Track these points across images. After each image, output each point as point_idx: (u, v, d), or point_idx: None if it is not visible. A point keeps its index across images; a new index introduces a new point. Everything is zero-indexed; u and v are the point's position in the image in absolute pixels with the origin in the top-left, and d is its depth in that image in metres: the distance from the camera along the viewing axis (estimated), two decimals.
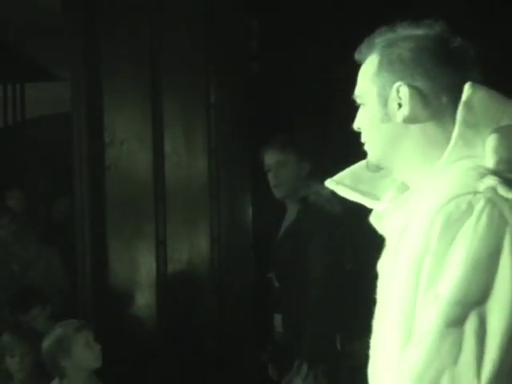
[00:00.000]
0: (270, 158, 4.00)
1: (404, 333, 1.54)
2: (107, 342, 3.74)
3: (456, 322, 1.46)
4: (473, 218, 1.49)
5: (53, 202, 6.97)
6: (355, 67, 1.75)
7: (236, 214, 4.78)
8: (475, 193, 1.51)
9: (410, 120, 1.66)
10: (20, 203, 6.44)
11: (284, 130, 4.26)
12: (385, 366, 1.60)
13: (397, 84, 1.66)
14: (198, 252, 4.70)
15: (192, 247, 4.70)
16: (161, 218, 4.68)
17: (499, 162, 1.56)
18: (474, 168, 1.57)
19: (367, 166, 1.77)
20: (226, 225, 4.74)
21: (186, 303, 4.70)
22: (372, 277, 1.75)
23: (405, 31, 1.69)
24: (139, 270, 4.69)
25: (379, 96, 1.69)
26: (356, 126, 1.76)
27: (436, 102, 1.65)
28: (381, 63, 1.68)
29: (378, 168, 1.76)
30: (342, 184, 1.81)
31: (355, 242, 3.80)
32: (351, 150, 1.82)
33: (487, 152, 1.58)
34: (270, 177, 4.00)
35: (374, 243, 1.79)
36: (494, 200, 1.50)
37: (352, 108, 1.77)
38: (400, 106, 1.66)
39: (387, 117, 1.68)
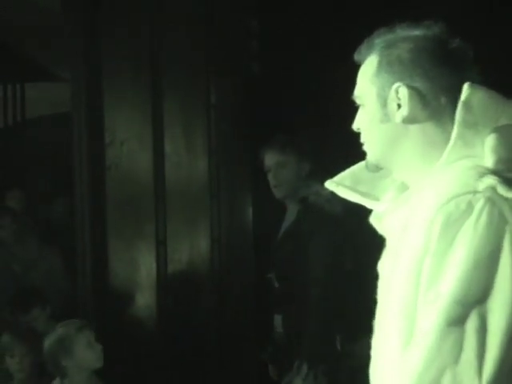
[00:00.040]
0: (270, 159, 4.00)
1: (405, 333, 1.54)
2: (107, 341, 3.74)
3: (457, 321, 1.46)
4: (473, 218, 1.49)
5: (51, 202, 6.97)
6: (355, 67, 1.76)
7: (236, 214, 4.78)
8: (475, 192, 1.52)
9: (409, 120, 1.66)
10: (20, 203, 6.44)
11: (284, 130, 4.25)
12: (386, 366, 1.61)
13: (396, 85, 1.66)
14: (198, 252, 4.70)
15: (192, 247, 4.70)
16: (161, 218, 4.68)
17: (498, 161, 1.56)
18: (473, 168, 1.57)
19: (367, 166, 1.77)
20: (227, 225, 4.74)
21: (186, 303, 4.70)
22: (372, 277, 1.75)
23: (404, 32, 1.70)
24: (139, 270, 4.69)
25: (378, 97, 1.69)
26: (355, 126, 1.76)
27: (435, 103, 1.66)
28: (380, 64, 1.69)
29: (377, 168, 1.76)
30: (341, 185, 1.81)
31: (355, 243, 3.80)
32: (351, 151, 1.83)
33: (486, 152, 1.58)
34: (270, 177, 4.00)
35: (374, 243, 1.79)
36: (493, 199, 1.51)
37: (352, 108, 1.77)
38: (399, 106, 1.67)
39: (386, 117, 1.69)
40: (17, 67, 8.39)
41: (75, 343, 3.57)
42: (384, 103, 1.68)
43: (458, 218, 1.50)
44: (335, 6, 4.80)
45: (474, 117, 1.61)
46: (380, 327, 1.68)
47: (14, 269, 5.36)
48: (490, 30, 4.58)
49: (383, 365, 1.63)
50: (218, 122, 4.72)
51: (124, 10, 4.70)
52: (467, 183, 1.54)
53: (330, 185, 1.83)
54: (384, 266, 1.71)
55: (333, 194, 1.85)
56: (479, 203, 1.50)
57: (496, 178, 1.52)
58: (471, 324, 1.46)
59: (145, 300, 4.70)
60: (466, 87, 1.62)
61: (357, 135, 1.76)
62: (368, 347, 1.74)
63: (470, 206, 1.50)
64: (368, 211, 1.79)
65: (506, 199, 1.51)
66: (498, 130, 1.60)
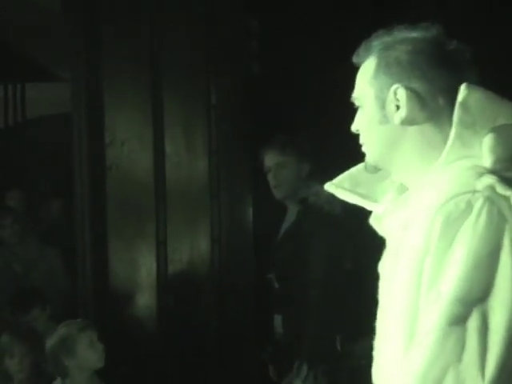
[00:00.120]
0: (270, 160, 3.99)
1: (407, 333, 1.55)
2: (107, 341, 3.74)
3: (458, 320, 1.47)
4: (472, 217, 1.50)
5: (51, 202, 6.96)
6: (355, 67, 1.76)
7: (236, 215, 4.78)
8: (474, 192, 1.53)
9: (407, 122, 1.67)
10: (20, 203, 6.44)
11: (284, 130, 4.25)
12: (389, 367, 1.62)
13: (394, 86, 1.67)
14: (199, 252, 4.70)
15: (192, 247, 4.70)
16: (161, 218, 4.68)
17: (496, 161, 1.57)
18: (471, 167, 1.58)
19: (366, 167, 1.78)
20: (227, 225, 4.74)
21: (186, 303, 4.70)
22: (372, 277, 1.75)
23: (401, 34, 1.71)
24: (140, 271, 4.69)
25: (377, 98, 1.70)
26: (354, 128, 1.77)
27: (433, 104, 1.66)
28: (378, 66, 1.69)
29: (376, 169, 1.77)
30: (341, 187, 1.82)
31: (355, 243, 3.80)
32: (351, 151, 1.83)
33: (484, 151, 1.59)
34: (270, 178, 4.00)
35: (374, 244, 1.79)
36: (492, 198, 1.51)
37: (352, 109, 1.78)
38: (398, 108, 1.67)
39: (385, 119, 1.70)
40: (17, 67, 8.39)
41: (77, 343, 3.57)
42: (382, 105, 1.69)
43: (457, 217, 1.51)
44: (335, 6, 4.80)
45: (472, 117, 1.62)
46: (382, 328, 1.69)
47: (15, 269, 5.36)
48: (490, 29, 4.58)
49: (386, 365, 1.64)
50: (218, 122, 4.72)
51: (124, 10, 4.70)
52: (466, 183, 1.55)
53: (329, 187, 1.83)
54: (384, 266, 1.72)
55: (333, 194, 1.86)
56: (478, 202, 1.51)
57: (494, 177, 1.53)
58: (473, 323, 1.47)
59: (145, 300, 4.70)
60: (463, 88, 1.63)
61: (357, 135, 1.77)
62: (368, 347, 1.74)
63: (469, 206, 1.51)
64: (368, 212, 1.80)
65: (505, 198, 1.51)
66: (495, 129, 1.61)
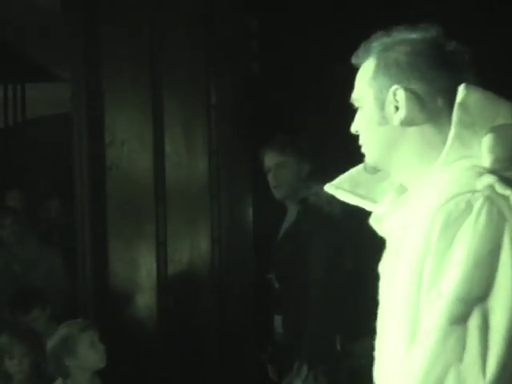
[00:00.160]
0: (270, 160, 3.99)
1: (408, 333, 1.55)
2: (107, 342, 3.74)
3: (459, 320, 1.48)
4: (472, 216, 1.51)
5: (51, 202, 6.96)
6: (355, 68, 1.76)
7: (236, 215, 4.78)
8: (474, 191, 1.53)
9: (406, 123, 1.67)
10: (20, 203, 6.44)
11: (284, 130, 4.25)
12: (390, 367, 1.62)
13: (393, 87, 1.68)
14: (199, 252, 4.70)
15: (192, 248, 4.70)
16: (161, 218, 4.68)
17: (496, 160, 1.57)
18: (471, 167, 1.59)
19: (365, 168, 1.78)
20: (227, 225, 4.74)
21: (186, 303, 4.70)
22: (372, 277, 1.76)
23: (401, 35, 1.71)
24: (139, 271, 4.68)
25: (376, 99, 1.70)
26: (354, 129, 1.78)
27: (432, 105, 1.67)
28: (377, 67, 1.70)
29: (375, 170, 1.77)
30: (340, 188, 1.82)
31: (355, 243, 3.80)
32: (351, 152, 1.83)
33: (484, 151, 1.59)
34: (270, 178, 4.00)
35: (374, 244, 1.79)
36: (492, 198, 1.52)
37: (352, 109, 1.78)
38: (397, 109, 1.68)
39: (384, 120, 1.70)
40: (17, 67, 8.39)
41: (78, 343, 3.57)
42: (382, 106, 1.70)
43: (457, 217, 1.51)
44: (335, 6, 4.80)
45: (471, 117, 1.62)
46: (383, 328, 1.69)
47: (14, 269, 5.36)
48: (490, 29, 4.58)
49: (387, 365, 1.64)
50: (218, 122, 4.72)
51: (124, 10, 4.70)
52: (466, 183, 1.55)
53: (329, 188, 1.84)
54: (385, 266, 1.72)
55: (332, 195, 1.86)
56: (478, 202, 1.52)
57: (494, 176, 1.54)
58: (473, 322, 1.47)
59: (145, 300, 4.70)
60: (461, 88, 1.63)
61: (356, 136, 1.77)
62: (368, 347, 1.74)
63: (469, 205, 1.52)
64: (367, 212, 1.80)
65: (505, 197, 1.52)
66: (494, 129, 1.61)
